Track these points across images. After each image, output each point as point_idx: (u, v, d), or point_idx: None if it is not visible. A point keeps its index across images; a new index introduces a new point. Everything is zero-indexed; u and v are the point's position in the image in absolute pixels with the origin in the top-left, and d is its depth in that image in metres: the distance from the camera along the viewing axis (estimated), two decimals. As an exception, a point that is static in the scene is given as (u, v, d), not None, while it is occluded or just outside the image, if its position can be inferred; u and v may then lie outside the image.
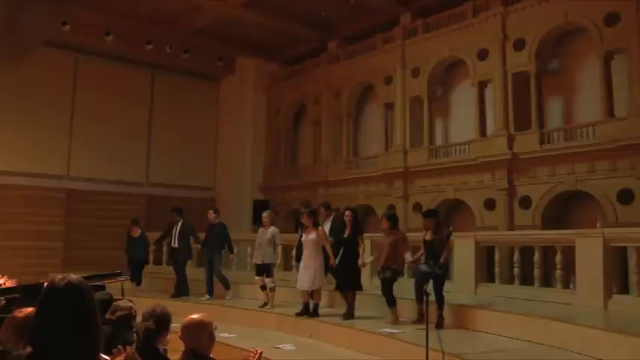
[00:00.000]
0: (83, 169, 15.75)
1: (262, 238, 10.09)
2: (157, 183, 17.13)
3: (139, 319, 4.47)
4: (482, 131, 12.82)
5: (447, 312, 7.66)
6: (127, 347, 2.83)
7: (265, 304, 10.02)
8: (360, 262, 8.56)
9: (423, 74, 14.00)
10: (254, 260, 10.47)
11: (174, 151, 17.18)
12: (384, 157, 14.78)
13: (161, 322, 3.94)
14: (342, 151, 16.14)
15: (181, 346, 3.46)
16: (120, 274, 8.84)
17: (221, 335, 7.71)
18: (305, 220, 9.01)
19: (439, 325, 7.44)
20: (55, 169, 15.43)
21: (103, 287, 6.67)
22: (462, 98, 13.79)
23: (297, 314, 8.91)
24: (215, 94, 18.74)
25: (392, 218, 8.57)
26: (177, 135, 17.32)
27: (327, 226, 9.66)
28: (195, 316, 3.59)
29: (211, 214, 11.67)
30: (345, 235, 8.70)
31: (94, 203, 15.70)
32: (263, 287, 10.07)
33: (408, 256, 8.16)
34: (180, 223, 11.95)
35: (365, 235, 9.20)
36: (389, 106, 15.01)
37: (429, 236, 7.94)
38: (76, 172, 15.73)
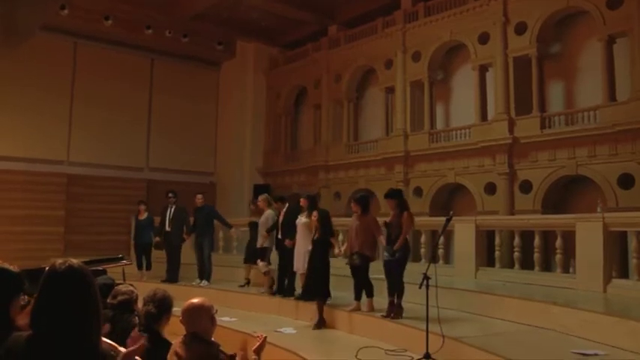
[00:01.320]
0: (83, 154, 15.72)
1: (259, 222, 10.17)
2: (158, 168, 17.11)
3: (140, 303, 4.49)
4: (483, 115, 12.79)
5: (447, 296, 7.15)
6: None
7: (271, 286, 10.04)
8: (337, 251, 8.45)
9: (424, 58, 13.94)
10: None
11: (175, 136, 17.14)
12: (384, 141, 14.76)
13: (162, 306, 3.95)
14: (343, 135, 16.12)
15: (183, 330, 3.48)
16: (121, 259, 8.89)
17: (222, 319, 7.76)
18: (302, 202, 8.96)
19: (397, 314, 7.23)
20: (55, 155, 15.41)
21: (104, 272, 6.70)
22: (463, 82, 13.75)
23: (297, 298, 8.95)
24: (215, 78, 18.66)
25: (361, 201, 7.99)
26: (177, 120, 17.28)
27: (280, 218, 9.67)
28: (195, 300, 3.60)
29: (199, 198, 11.62)
30: (315, 237, 8.29)
31: (95, 188, 15.70)
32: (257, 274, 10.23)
33: (382, 240, 7.61)
34: (174, 206, 11.79)
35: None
36: (389, 90, 14.97)
37: (389, 218, 7.56)
38: (76, 157, 15.70)
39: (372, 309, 7.73)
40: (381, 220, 7.99)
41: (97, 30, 15.45)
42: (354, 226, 7.86)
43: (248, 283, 10.80)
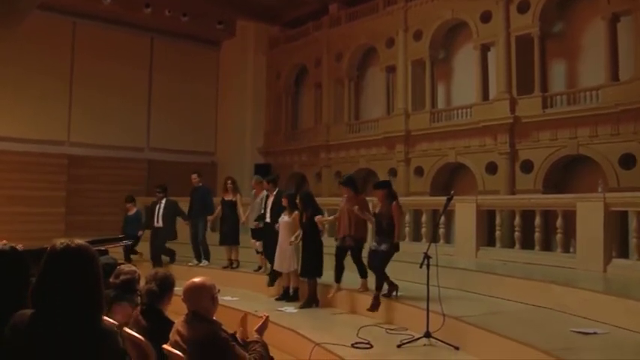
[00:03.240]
0: (84, 135, 15.71)
1: (254, 202, 9.95)
2: (158, 148, 17.10)
3: (142, 283, 4.51)
4: (485, 95, 12.74)
5: (447, 275, 6.96)
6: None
7: (260, 267, 9.97)
8: (330, 218, 8.33)
9: (426, 37, 13.85)
10: (247, 224, 10.12)
11: (175, 116, 17.09)
12: (385, 120, 14.72)
13: (163, 284, 3.97)
14: (344, 114, 16.08)
15: (185, 309, 3.50)
16: (123, 239, 8.91)
17: (224, 298, 7.80)
18: (284, 202, 8.73)
19: (374, 306, 7.07)
20: (56, 135, 15.40)
21: (105, 252, 6.71)
22: (465, 61, 13.67)
23: (277, 299, 8.63)
24: (215, 57, 18.57)
25: (349, 183, 7.87)
26: (177, 99, 17.21)
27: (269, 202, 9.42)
28: (197, 279, 3.62)
29: (195, 178, 11.28)
30: (304, 219, 8.17)
31: (96, 169, 15.71)
32: (258, 251, 9.98)
33: (371, 218, 7.54)
34: (163, 202, 11.27)
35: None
36: (391, 69, 14.89)
37: (378, 209, 7.45)
38: (77, 138, 15.70)
39: (366, 289, 7.67)
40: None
41: (95, 9, 15.31)
42: (347, 208, 7.71)
43: (235, 264, 10.57)
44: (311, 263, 8.06)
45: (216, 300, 3.55)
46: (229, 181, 10.69)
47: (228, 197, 10.55)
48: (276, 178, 10.06)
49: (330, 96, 16.39)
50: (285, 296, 8.59)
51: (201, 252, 11.11)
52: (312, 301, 8.06)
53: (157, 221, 11.26)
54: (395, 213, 7.24)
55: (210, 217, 11.11)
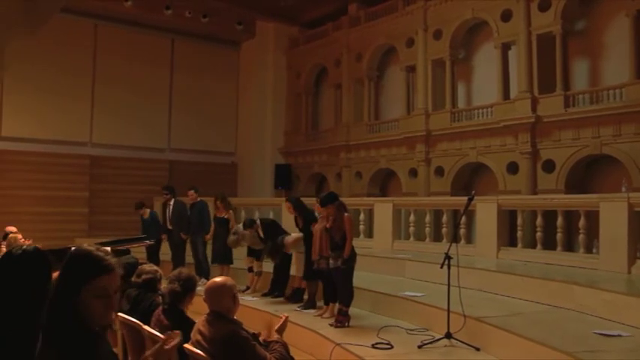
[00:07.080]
0: (106, 136, 15.90)
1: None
2: (179, 148, 17.24)
3: (164, 283, 4.57)
4: (506, 94, 12.63)
5: (468, 275, 7.15)
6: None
7: (248, 287, 9.40)
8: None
9: (446, 36, 13.78)
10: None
11: (196, 117, 17.23)
12: (405, 120, 14.67)
13: (186, 285, 4.03)
14: (364, 114, 16.06)
15: (206, 309, 3.54)
16: (145, 239, 8.98)
17: (245, 299, 7.85)
18: (287, 206, 8.69)
19: (340, 322, 6.83)
20: (78, 136, 15.61)
21: (127, 251, 6.80)
22: (485, 60, 13.56)
23: (286, 298, 8.62)
24: (235, 58, 18.66)
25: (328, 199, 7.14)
26: (198, 100, 17.35)
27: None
28: (218, 279, 3.68)
29: (192, 194, 10.79)
30: (301, 226, 8.26)
31: (118, 169, 15.89)
32: (250, 269, 9.57)
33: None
34: (172, 203, 11.11)
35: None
36: (411, 69, 14.84)
37: (329, 224, 6.98)
38: (99, 139, 15.89)
39: (333, 315, 7.29)
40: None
41: (116, 11, 15.50)
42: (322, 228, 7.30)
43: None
44: (307, 269, 7.95)
45: (237, 300, 3.59)
46: (218, 200, 10.26)
47: (221, 214, 10.21)
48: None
49: (350, 96, 16.39)
50: (294, 297, 8.51)
51: (202, 269, 10.37)
52: (313, 304, 7.97)
53: (168, 223, 11.12)
54: (347, 226, 6.90)
55: (207, 236, 10.57)
